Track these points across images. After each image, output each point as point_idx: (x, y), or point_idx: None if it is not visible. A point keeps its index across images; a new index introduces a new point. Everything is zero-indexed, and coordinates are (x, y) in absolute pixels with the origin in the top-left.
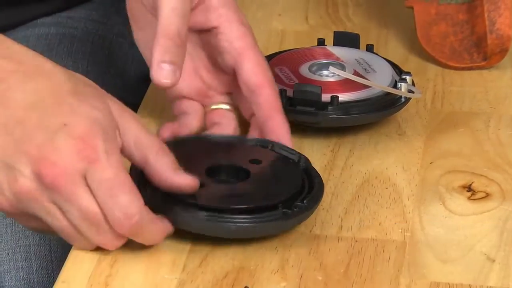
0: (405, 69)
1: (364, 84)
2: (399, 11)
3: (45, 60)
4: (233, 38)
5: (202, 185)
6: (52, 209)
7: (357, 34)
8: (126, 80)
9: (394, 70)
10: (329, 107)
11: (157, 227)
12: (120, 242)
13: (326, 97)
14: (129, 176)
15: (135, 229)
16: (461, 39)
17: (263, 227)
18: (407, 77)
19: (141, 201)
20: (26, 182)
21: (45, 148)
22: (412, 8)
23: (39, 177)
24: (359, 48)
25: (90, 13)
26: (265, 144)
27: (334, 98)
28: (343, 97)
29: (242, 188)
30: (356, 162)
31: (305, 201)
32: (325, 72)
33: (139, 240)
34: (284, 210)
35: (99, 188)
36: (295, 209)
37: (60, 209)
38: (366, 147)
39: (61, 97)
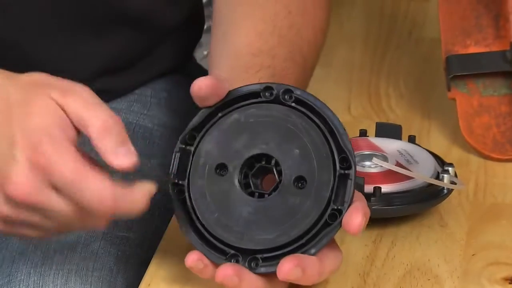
0: (447, 160)
1: (406, 176)
2: (441, 102)
3: None
4: None
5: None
6: (36, 219)
7: (399, 125)
8: (167, 170)
9: (437, 161)
10: (372, 199)
11: (135, 194)
12: (107, 221)
13: (368, 188)
14: (86, 162)
15: (115, 208)
16: (503, 130)
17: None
18: (450, 169)
19: (108, 180)
20: (3, 207)
21: (4, 171)
22: (454, 100)
23: (10, 200)
24: (401, 139)
25: (130, 104)
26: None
27: (377, 190)
28: (385, 188)
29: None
30: (398, 254)
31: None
32: (367, 163)
33: (126, 213)
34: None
35: (65, 189)
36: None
37: (44, 215)
38: (408, 238)
39: (8, 108)
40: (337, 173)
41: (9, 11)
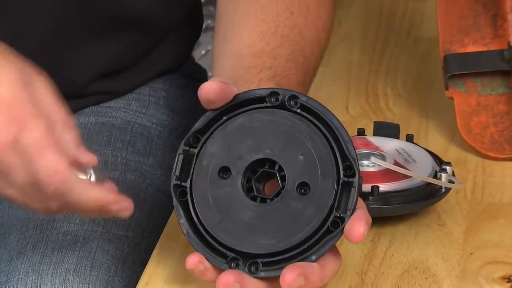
0: (445, 159)
1: (404, 175)
2: (439, 101)
3: None
4: None
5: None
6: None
7: (397, 124)
8: (165, 169)
9: (435, 160)
10: (370, 197)
11: (86, 189)
12: (52, 205)
13: (366, 187)
14: (54, 141)
15: (62, 187)
16: (501, 129)
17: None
18: (447, 168)
19: (64, 161)
20: None
21: None
22: (452, 99)
23: None
24: (399, 138)
25: (129, 103)
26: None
27: (375, 188)
28: (383, 187)
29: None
30: (396, 252)
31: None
32: (365, 162)
33: (70, 204)
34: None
35: (26, 150)
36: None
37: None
38: (406, 237)
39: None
40: (341, 181)
41: (12, 15)
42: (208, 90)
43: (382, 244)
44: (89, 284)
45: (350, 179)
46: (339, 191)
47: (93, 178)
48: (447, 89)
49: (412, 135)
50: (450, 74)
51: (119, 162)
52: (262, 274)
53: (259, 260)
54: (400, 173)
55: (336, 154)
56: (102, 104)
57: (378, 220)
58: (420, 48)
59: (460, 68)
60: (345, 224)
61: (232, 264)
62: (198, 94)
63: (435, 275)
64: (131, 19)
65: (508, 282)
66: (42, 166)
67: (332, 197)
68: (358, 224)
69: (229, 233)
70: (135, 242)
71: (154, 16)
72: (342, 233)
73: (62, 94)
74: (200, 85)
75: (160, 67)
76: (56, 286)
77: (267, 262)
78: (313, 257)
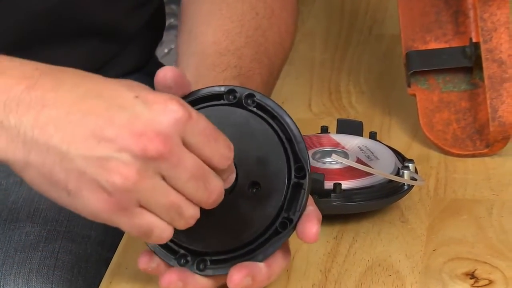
0: (408, 156)
1: (367, 172)
2: (402, 99)
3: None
4: None
5: None
6: (158, 183)
7: (360, 121)
8: None
9: (397, 157)
10: (332, 195)
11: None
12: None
13: (329, 185)
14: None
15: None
16: (463, 126)
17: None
18: (410, 165)
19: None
20: (127, 167)
21: (136, 124)
22: (415, 96)
23: (143, 154)
24: (362, 136)
25: None
26: None
27: (337, 186)
28: (346, 184)
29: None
30: (359, 250)
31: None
32: (328, 159)
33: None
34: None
35: (199, 140)
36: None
37: (167, 178)
38: (369, 235)
39: (101, 80)
40: (292, 182)
41: None
42: (166, 74)
43: (346, 241)
44: (52, 284)
45: (300, 181)
46: (289, 192)
47: None
48: (409, 86)
49: (375, 133)
50: (412, 71)
51: None
52: (210, 272)
53: (207, 258)
54: (363, 170)
55: (288, 155)
56: None
57: (341, 217)
58: (382, 45)
59: (422, 65)
60: (293, 226)
61: (182, 261)
62: (155, 80)
63: (398, 271)
64: (94, 26)
65: (471, 278)
66: (216, 149)
67: (282, 197)
68: (310, 225)
69: (179, 229)
70: (98, 242)
71: (117, 23)
72: (290, 234)
73: None
74: None
75: (124, 69)
76: (19, 286)
77: (215, 260)
78: (260, 257)
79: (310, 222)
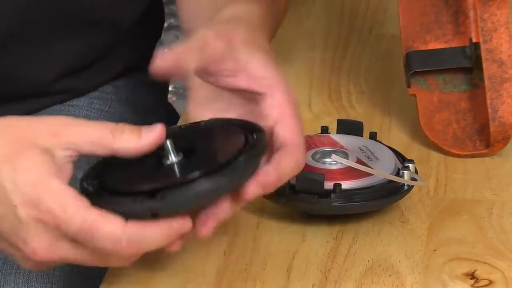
0: (408, 156)
1: (367, 172)
2: (402, 99)
3: None
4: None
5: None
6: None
7: (360, 122)
8: None
9: (397, 157)
10: (332, 195)
11: (152, 231)
12: (133, 259)
13: (329, 185)
14: (93, 208)
15: (134, 247)
16: (463, 126)
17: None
18: (410, 165)
19: (118, 221)
20: (26, 263)
21: (18, 234)
22: (415, 96)
23: (30, 260)
24: (362, 136)
25: (91, 101)
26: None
27: (337, 186)
28: (346, 185)
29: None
30: (359, 250)
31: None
32: (328, 160)
33: (151, 248)
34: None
35: (78, 239)
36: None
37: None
38: (369, 235)
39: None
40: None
41: None
42: (157, 65)
43: (346, 241)
44: (52, 284)
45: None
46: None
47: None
48: (409, 86)
49: (375, 133)
50: (412, 72)
51: (82, 160)
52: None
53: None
54: (363, 170)
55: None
56: (64, 103)
57: (341, 217)
58: (382, 46)
59: (422, 65)
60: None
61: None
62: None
63: (398, 272)
64: (90, 18)
65: (471, 278)
66: (101, 242)
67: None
68: (252, 186)
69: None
70: None
71: (112, 14)
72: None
73: (25, 94)
74: (162, 83)
75: (122, 66)
76: (19, 286)
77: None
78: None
79: (254, 184)
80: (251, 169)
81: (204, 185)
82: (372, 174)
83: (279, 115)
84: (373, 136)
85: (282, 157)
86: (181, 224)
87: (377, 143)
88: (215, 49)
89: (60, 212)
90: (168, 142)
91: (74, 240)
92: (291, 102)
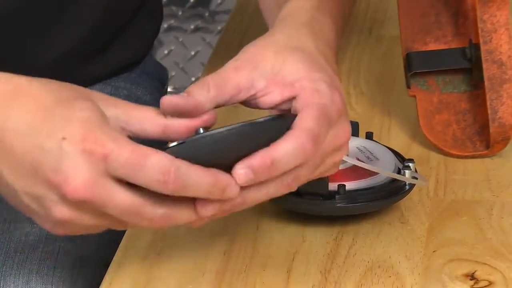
0: (408, 157)
1: (368, 173)
2: (402, 100)
3: (19, 78)
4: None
5: None
6: (94, 220)
7: (356, 122)
8: None
9: (397, 157)
10: (337, 196)
11: (199, 172)
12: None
13: (333, 186)
14: (141, 145)
15: (179, 183)
16: (463, 127)
17: None
18: (410, 164)
19: (167, 154)
20: (59, 208)
21: (59, 169)
22: (414, 97)
23: (67, 199)
24: (358, 136)
25: None
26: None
27: (341, 187)
28: (349, 185)
29: None
30: (359, 251)
31: None
32: None
33: (193, 193)
34: None
35: (125, 172)
36: None
37: (102, 214)
38: (369, 236)
39: (49, 111)
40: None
41: None
42: (164, 105)
43: (345, 242)
44: (52, 285)
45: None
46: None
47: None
48: (409, 87)
49: (372, 133)
50: (412, 72)
51: None
52: None
53: None
54: (364, 171)
55: None
56: None
57: (341, 218)
58: (382, 46)
59: (422, 66)
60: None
61: None
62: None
63: (398, 273)
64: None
65: (471, 279)
66: (149, 175)
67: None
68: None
69: None
70: (98, 242)
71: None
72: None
73: None
74: (162, 85)
75: (121, 59)
76: (19, 287)
77: None
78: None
79: (242, 164)
80: (273, 128)
81: (223, 132)
82: (374, 175)
83: (302, 106)
84: (369, 136)
85: (282, 139)
86: (228, 180)
87: (375, 143)
88: (237, 84)
89: (110, 141)
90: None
91: (119, 180)
92: (321, 93)
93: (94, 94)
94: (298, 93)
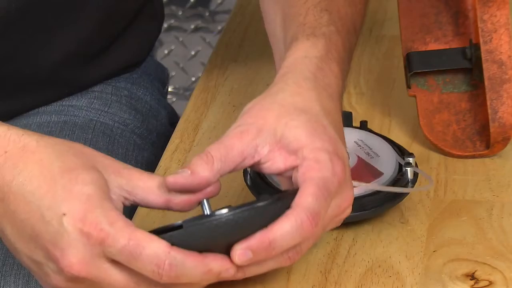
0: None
1: (373, 175)
2: (402, 100)
3: (29, 137)
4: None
5: None
6: None
7: (349, 112)
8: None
9: (394, 149)
10: None
11: (194, 261)
12: None
13: None
14: (140, 230)
15: (174, 273)
16: (463, 127)
17: None
18: (411, 159)
19: (164, 244)
20: (57, 278)
21: (58, 244)
22: (415, 97)
23: (63, 272)
24: (352, 126)
25: (91, 101)
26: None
27: None
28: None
29: None
30: (359, 251)
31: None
32: None
33: (188, 281)
34: None
35: (121, 258)
36: None
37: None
38: (369, 236)
39: (53, 180)
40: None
41: None
42: (170, 184)
43: (346, 242)
44: None
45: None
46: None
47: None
48: (409, 87)
49: (366, 121)
50: (412, 72)
51: None
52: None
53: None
54: (368, 174)
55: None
56: (64, 103)
57: None
58: (382, 47)
59: (422, 66)
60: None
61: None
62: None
63: (398, 273)
64: (90, 4)
65: (471, 279)
66: (143, 265)
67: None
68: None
69: None
70: None
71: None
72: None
73: (23, 83)
74: (162, 85)
75: (122, 60)
76: (20, 287)
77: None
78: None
79: (240, 245)
80: (272, 211)
81: (222, 218)
82: (378, 177)
83: (302, 180)
84: (363, 125)
85: (281, 219)
86: (223, 266)
87: (371, 134)
88: (241, 152)
89: (108, 225)
90: (205, 201)
91: (114, 261)
92: (322, 165)
93: (100, 160)
94: (300, 163)
